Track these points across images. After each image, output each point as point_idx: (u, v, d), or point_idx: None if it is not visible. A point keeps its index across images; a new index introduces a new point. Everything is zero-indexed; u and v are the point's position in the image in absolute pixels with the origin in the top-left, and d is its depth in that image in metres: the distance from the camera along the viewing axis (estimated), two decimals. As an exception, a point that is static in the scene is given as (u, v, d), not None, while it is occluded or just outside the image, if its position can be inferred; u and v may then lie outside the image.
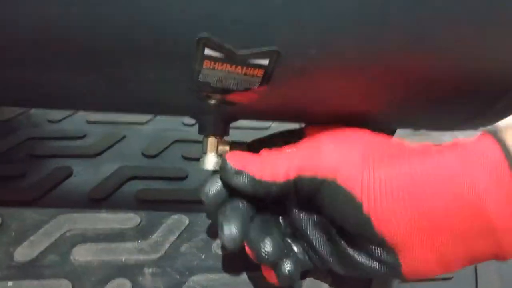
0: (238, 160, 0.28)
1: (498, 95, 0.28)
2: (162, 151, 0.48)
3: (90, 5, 0.20)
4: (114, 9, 0.20)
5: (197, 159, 0.32)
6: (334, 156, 0.26)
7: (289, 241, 0.31)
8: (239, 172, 0.28)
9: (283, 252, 0.28)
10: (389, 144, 0.27)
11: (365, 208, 0.25)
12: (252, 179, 0.28)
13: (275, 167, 0.27)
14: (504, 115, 0.31)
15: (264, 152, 0.29)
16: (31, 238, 0.33)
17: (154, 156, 0.46)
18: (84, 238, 0.34)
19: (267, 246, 0.27)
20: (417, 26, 0.23)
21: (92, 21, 0.21)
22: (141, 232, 0.35)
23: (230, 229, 0.28)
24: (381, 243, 0.25)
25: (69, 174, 0.41)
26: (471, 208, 0.23)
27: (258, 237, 0.28)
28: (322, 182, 0.26)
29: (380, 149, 0.26)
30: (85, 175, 0.41)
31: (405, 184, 0.24)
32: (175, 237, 0.35)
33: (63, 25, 0.21)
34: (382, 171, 0.25)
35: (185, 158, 0.47)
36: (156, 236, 0.35)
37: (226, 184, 0.29)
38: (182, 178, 0.43)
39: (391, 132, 0.37)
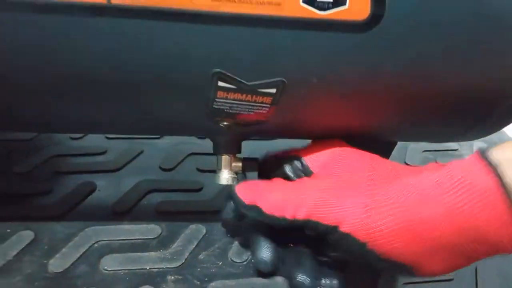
0: (248, 194, 0.31)
1: (490, 108, 0.30)
2: (178, 164, 0.50)
3: (121, 47, 0.23)
4: (146, 53, 0.23)
5: (211, 171, 0.35)
6: (338, 207, 0.28)
7: (323, 259, 0.32)
8: (249, 207, 0.30)
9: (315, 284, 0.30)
10: (389, 179, 0.28)
11: (369, 246, 0.27)
12: (262, 213, 0.30)
13: (284, 208, 0.29)
14: (498, 127, 0.33)
15: (276, 185, 0.31)
16: (63, 250, 0.35)
17: (171, 169, 0.49)
18: (111, 249, 0.36)
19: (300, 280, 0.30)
20: (412, 52, 0.26)
21: (123, 59, 0.24)
22: (163, 242, 0.38)
23: (262, 257, 0.32)
24: (388, 260, 0.27)
25: (93, 189, 0.43)
26: (473, 237, 0.24)
27: (290, 270, 0.30)
28: (327, 227, 0.28)
29: (381, 190, 0.28)
30: (108, 190, 0.44)
31: (405, 227, 0.26)
32: (194, 246, 0.38)
33: (96, 63, 0.24)
34: (383, 217, 0.26)
35: (200, 170, 0.49)
36: (176, 245, 0.37)
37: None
38: (198, 190, 0.45)
39: (393, 144, 0.39)
